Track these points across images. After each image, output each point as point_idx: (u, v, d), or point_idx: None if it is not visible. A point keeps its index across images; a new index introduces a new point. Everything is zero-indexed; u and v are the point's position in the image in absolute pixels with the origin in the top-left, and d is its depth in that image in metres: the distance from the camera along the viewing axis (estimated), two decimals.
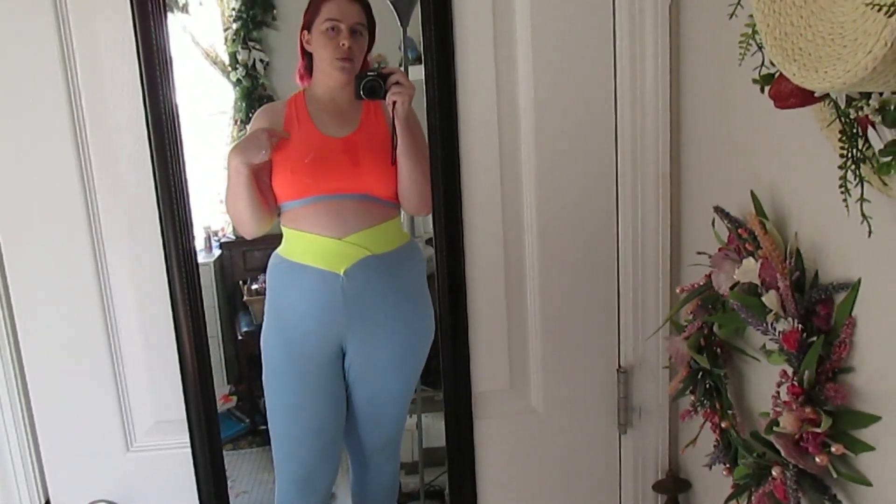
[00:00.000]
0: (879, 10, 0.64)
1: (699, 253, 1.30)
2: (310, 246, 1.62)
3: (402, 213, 1.72)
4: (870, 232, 0.83)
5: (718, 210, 1.24)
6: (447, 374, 1.60)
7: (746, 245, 1.15)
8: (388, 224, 1.66)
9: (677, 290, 1.38)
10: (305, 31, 1.65)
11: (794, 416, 1.02)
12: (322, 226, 1.61)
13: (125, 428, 1.61)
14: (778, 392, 1.09)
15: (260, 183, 1.61)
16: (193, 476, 1.60)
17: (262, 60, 2.21)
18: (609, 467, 1.72)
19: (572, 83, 1.53)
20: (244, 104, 2.23)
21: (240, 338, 2.28)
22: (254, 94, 2.22)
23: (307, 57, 1.68)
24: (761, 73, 0.93)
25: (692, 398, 1.33)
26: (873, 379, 0.96)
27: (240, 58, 2.20)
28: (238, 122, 2.23)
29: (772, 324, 1.06)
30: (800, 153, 1.08)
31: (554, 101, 1.53)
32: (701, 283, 1.29)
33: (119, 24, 1.42)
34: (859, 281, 0.97)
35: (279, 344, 1.67)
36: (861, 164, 0.83)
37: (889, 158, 0.80)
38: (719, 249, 1.24)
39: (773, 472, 1.07)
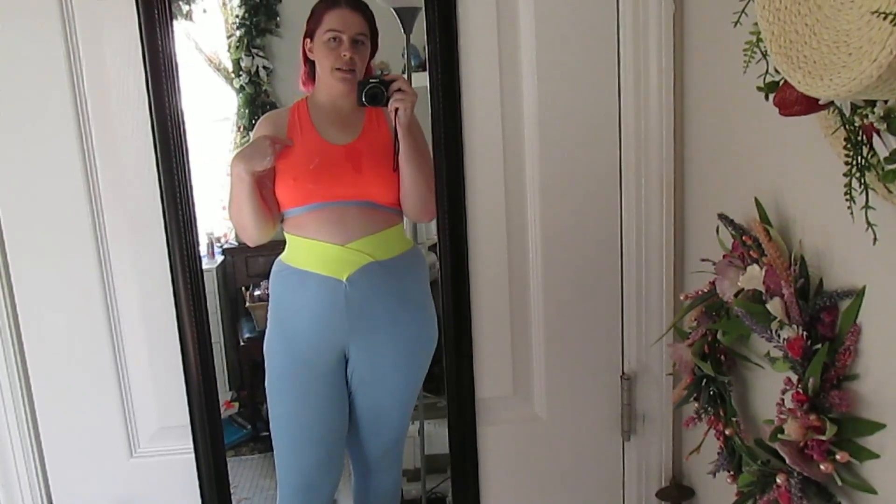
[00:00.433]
0: (885, 18, 0.65)
1: (703, 260, 1.30)
2: (313, 252, 1.62)
3: (405, 219, 1.72)
4: (875, 239, 0.84)
5: (723, 217, 1.24)
6: (450, 381, 1.61)
7: (751, 252, 1.15)
8: (391, 230, 1.66)
9: (681, 297, 1.38)
10: (308, 39, 1.65)
11: (798, 424, 1.02)
12: (325, 232, 1.61)
13: (129, 433, 1.61)
14: (782, 399, 1.08)
15: (263, 190, 1.61)
16: (196, 481, 1.60)
17: (265, 67, 2.22)
18: (613, 474, 1.72)
19: (576, 89, 1.54)
20: (247, 111, 2.23)
21: (242, 344, 2.29)
22: (257, 101, 2.23)
23: (310, 64, 1.68)
24: (766, 81, 0.93)
25: (696, 405, 1.33)
26: (878, 386, 0.96)
27: (243, 65, 2.21)
28: (241, 129, 2.24)
29: (776, 331, 1.06)
30: (804, 161, 1.08)
31: (558, 109, 1.54)
32: (705, 290, 1.29)
33: (125, 31, 1.43)
34: (864, 288, 0.97)
35: (282, 350, 1.67)
36: (866, 172, 0.84)
37: (894, 166, 0.80)
38: (723, 256, 1.24)
39: (778, 480, 1.06)
